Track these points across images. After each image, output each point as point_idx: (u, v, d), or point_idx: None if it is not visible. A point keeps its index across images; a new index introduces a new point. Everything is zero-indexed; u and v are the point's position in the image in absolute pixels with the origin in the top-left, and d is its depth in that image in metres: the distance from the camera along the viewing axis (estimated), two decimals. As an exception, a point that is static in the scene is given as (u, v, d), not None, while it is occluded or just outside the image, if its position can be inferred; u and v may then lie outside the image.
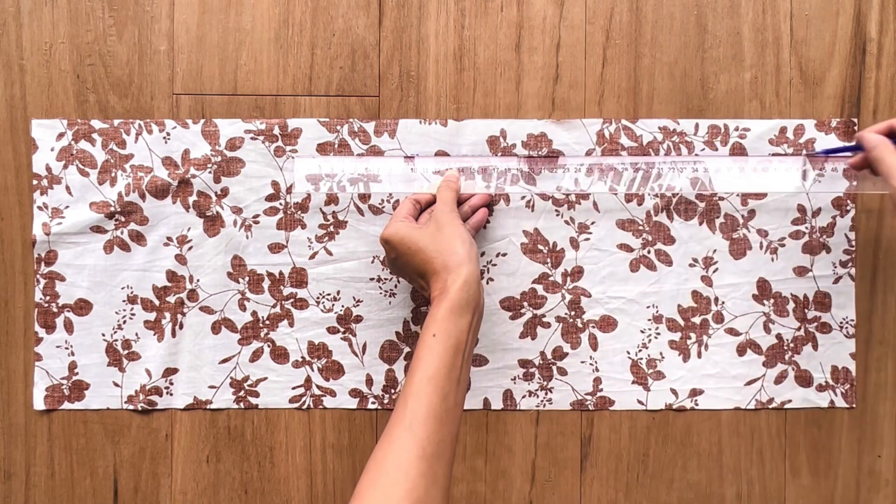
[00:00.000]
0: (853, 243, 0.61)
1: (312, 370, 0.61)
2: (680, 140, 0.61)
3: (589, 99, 0.61)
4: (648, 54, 0.61)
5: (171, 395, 0.61)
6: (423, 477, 0.42)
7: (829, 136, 0.61)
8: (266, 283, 0.61)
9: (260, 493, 0.61)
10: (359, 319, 0.61)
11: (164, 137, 0.60)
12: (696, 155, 0.60)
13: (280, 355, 0.61)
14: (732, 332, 0.61)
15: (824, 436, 0.62)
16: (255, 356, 0.61)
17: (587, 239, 0.61)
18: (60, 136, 0.60)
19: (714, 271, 0.61)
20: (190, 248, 0.60)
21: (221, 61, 0.60)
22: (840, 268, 0.61)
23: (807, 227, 0.61)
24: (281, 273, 0.61)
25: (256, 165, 0.60)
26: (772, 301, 0.61)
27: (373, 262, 0.61)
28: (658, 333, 0.61)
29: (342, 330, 0.61)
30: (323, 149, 0.60)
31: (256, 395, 0.61)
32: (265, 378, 0.61)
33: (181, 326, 0.61)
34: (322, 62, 0.61)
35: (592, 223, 0.61)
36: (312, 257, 0.61)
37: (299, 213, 0.60)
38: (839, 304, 0.61)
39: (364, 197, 0.61)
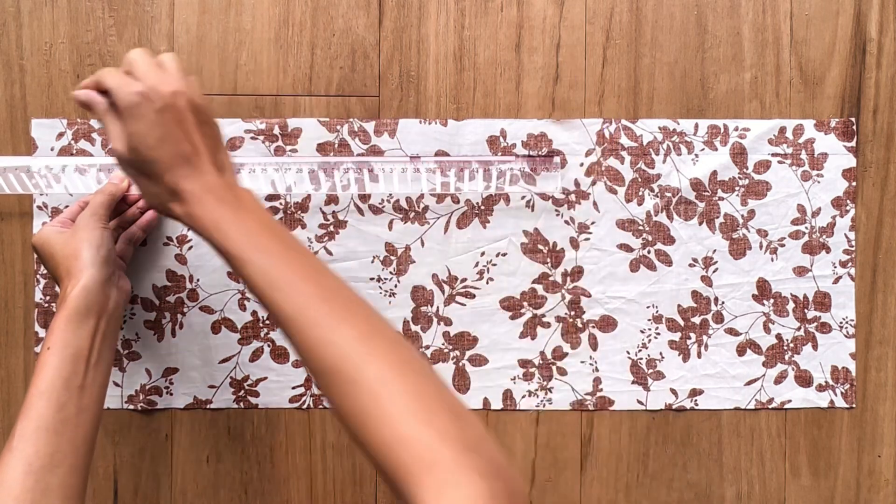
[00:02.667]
0: (853, 243, 0.61)
1: (312, 370, 0.61)
2: (680, 140, 0.61)
3: (589, 99, 0.61)
4: (648, 54, 0.61)
5: (171, 394, 0.61)
6: (30, 491, 0.44)
7: (829, 136, 0.61)
8: (266, 283, 0.61)
9: (260, 493, 0.61)
10: (359, 319, 0.61)
11: (164, 137, 0.60)
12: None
13: (280, 355, 0.61)
14: (732, 332, 0.61)
15: (824, 436, 0.62)
16: (255, 356, 0.61)
17: (587, 239, 0.61)
18: (60, 135, 0.60)
19: (714, 271, 0.61)
20: (190, 248, 0.60)
21: (221, 61, 0.61)
22: (840, 268, 0.61)
23: (806, 227, 0.61)
24: (281, 273, 0.61)
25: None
26: (772, 301, 0.61)
27: (373, 262, 0.61)
28: (658, 333, 0.61)
29: (342, 330, 0.61)
30: (323, 149, 0.60)
31: (256, 394, 0.61)
32: (265, 378, 0.61)
33: (181, 326, 0.61)
34: (322, 62, 0.61)
35: (592, 223, 0.61)
36: (312, 257, 0.61)
37: (299, 212, 0.61)
38: (839, 304, 0.61)
39: (364, 197, 0.61)
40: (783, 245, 0.61)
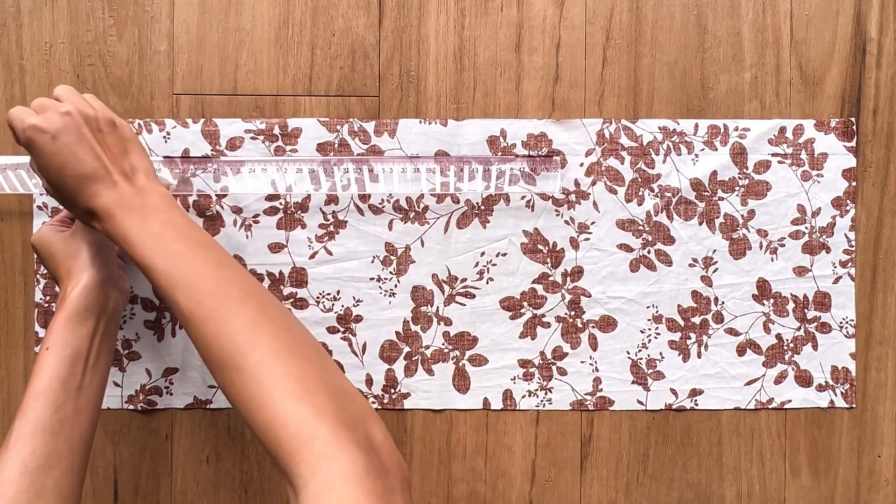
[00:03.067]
0: (853, 243, 0.61)
1: (312, 370, 0.61)
2: (680, 140, 0.61)
3: (589, 99, 0.61)
4: (648, 54, 0.61)
5: (171, 394, 0.61)
6: (25, 492, 0.44)
7: (829, 136, 0.61)
8: (266, 283, 0.61)
9: (260, 493, 0.61)
10: (359, 319, 0.61)
11: (164, 137, 0.60)
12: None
13: (280, 355, 0.61)
14: (732, 332, 0.61)
15: (824, 436, 0.62)
16: (255, 356, 0.61)
17: (587, 239, 0.61)
18: (60, 135, 0.60)
19: (714, 271, 0.61)
20: (190, 248, 0.60)
21: (221, 61, 0.61)
22: (840, 268, 0.61)
23: (806, 227, 0.61)
24: (281, 273, 0.61)
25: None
26: (771, 301, 0.61)
27: (373, 261, 0.61)
28: (658, 333, 0.61)
29: (342, 330, 0.61)
30: (323, 148, 0.60)
31: (256, 394, 0.61)
32: (265, 378, 0.61)
33: (181, 326, 0.61)
34: (322, 62, 0.61)
35: (592, 223, 0.61)
36: (312, 257, 0.61)
37: (299, 212, 0.61)
38: (839, 304, 0.61)
39: (364, 197, 0.61)
40: (783, 245, 0.61)
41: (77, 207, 0.47)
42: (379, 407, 0.61)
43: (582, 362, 0.61)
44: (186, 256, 0.43)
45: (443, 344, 0.61)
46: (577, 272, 0.61)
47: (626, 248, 0.61)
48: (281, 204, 0.60)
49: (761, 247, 0.61)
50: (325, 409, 0.37)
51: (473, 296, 0.61)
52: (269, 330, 0.41)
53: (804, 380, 0.62)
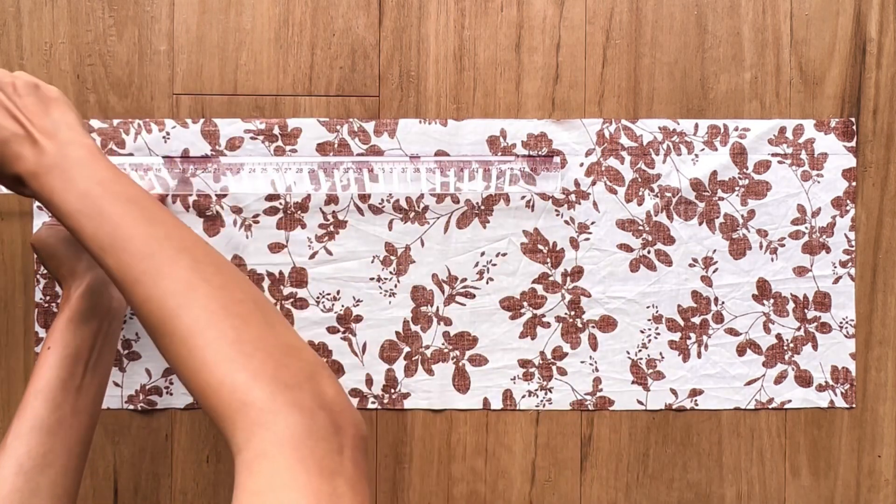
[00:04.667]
0: (853, 243, 0.61)
1: (312, 370, 0.61)
2: (680, 140, 0.61)
3: (589, 99, 0.61)
4: (648, 54, 0.61)
5: (171, 394, 0.61)
6: (19, 491, 0.44)
7: (829, 136, 0.61)
8: (266, 283, 0.61)
9: (260, 492, 0.61)
10: (359, 319, 0.61)
11: (164, 137, 0.60)
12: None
13: (280, 355, 0.61)
14: (732, 332, 0.61)
15: (824, 436, 0.62)
16: (255, 356, 0.61)
17: (587, 239, 0.61)
18: (60, 135, 0.60)
19: (714, 271, 0.61)
20: (190, 248, 0.60)
21: (221, 61, 0.61)
22: (840, 268, 0.61)
23: (806, 227, 0.61)
24: (281, 273, 0.61)
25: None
26: (771, 301, 0.61)
27: (373, 261, 0.61)
28: (658, 333, 0.61)
29: (342, 330, 0.61)
30: (323, 149, 0.60)
31: (256, 394, 0.61)
32: (265, 378, 0.61)
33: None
34: (322, 62, 0.61)
35: (592, 223, 0.61)
36: (312, 257, 0.61)
37: (299, 212, 0.61)
38: (839, 304, 0.61)
39: (364, 197, 0.61)
40: (783, 245, 0.61)
41: (6, 177, 0.43)
42: (379, 407, 0.61)
43: (582, 362, 0.61)
44: (113, 216, 0.40)
45: (443, 344, 0.61)
46: (577, 272, 0.61)
47: (626, 248, 0.61)
48: (281, 204, 0.60)
49: (761, 247, 0.61)
50: (261, 372, 0.35)
51: (473, 296, 0.61)
52: (203, 290, 0.38)
53: (804, 380, 0.62)
